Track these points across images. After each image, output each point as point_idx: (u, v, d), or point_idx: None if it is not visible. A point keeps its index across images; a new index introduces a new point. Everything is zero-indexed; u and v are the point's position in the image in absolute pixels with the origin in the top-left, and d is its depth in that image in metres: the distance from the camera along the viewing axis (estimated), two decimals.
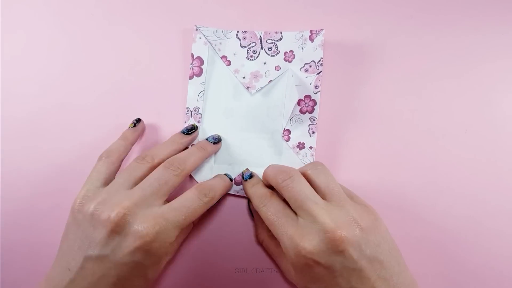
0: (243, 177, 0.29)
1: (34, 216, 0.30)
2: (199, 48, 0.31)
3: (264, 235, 0.29)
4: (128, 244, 0.22)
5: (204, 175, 0.30)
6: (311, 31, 0.31)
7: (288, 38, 0.31)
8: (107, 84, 0.32)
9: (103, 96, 0.31)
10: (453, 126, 0.31)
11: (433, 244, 0.30)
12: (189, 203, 0.24)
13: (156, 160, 0.26)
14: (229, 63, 0.31)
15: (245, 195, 0.29)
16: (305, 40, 0.31)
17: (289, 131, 0.31)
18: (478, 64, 0.31)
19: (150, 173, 0.25)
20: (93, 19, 0.32)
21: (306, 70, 0.31)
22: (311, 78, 0.31)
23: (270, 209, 0.25)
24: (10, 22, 0.32)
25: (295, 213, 0.24)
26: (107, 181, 0.25)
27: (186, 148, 0.29)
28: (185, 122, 0.31)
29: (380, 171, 0.31)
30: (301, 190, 0.24)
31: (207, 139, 0.30)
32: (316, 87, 0.30)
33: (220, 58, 0.31)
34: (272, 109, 0.31)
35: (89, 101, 0.31)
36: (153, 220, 0.22)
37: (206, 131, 0.31)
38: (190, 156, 0.27)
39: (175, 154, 0.27)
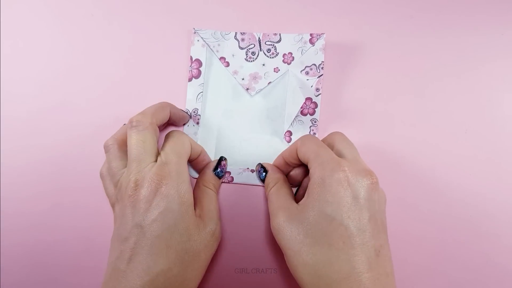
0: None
1: (34, 216, 0.30)
2: (197, 51, 0.31)
3: (279, 181, 0.28)
4: (149, 200, 0.22)
5: None
6: (311, 35, 0.31)
7: (286, 40, 0.31)
8: (107, 85, 0.32)
9: (103, 97, 0.31)
10: (453, 126, 0.31)
11: (433, 244, 0.30)
12: (179, 143, 0.25)
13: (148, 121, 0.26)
14: (228, 64, 0.31)
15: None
16: (305, 43, 0.31)
17: (290, 133, 0.31)
18: (478, 64, 0.31)
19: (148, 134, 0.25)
20: (93, 20, 0.32)
21: (307, 73, 0.31)
22: (312, 81, 0.31)
23: (311, 140, 0.26)
24: (10, 22, 0.32)
25: None
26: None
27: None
28: (183, 124, 0.31)
29: (380, 171, 0.30)
30: (317, 143, 0.25)
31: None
32: (317, 89, 0.31)
33: (218, 60, 0.31)
34: (272, 111, 0.31)
35: (89, 101, 0.31)
36: (156, 170, 0.23)
37: (205, 132, 0.31)
38: (183, 137, 0.27)
39: (166, 114, 0.27)
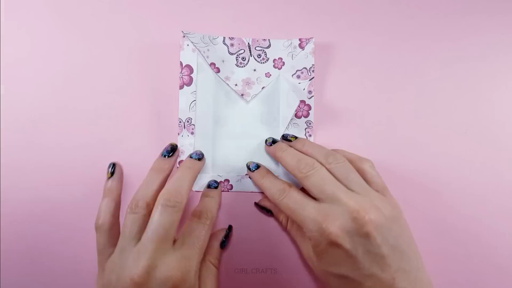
0: (249, 168, 0.29)
1: (34, 217, 0.30)
2: (187, 56, 0.30)
3: (290, 220, 0.29)
4: None
5: (204, 185, 0.30)
6: (300, 39, 0.31)
7: (276, 46, 0.31)
8: (108, 85, 0.31)
9: (103, 97, 0.31)
10: (453, 126, 0.31)
11: (433, 244, 0.30)
12: (197, 232, 0.25)
13: (150, 201, 0.24)
14: (218, 70, 0.31)
15: (247, 191, 0.30)
16: (295, 47, 0.31)
17: None
18: (478, 64, 0.31)
19: (148, 217, 0.23)
20: (93, 21, 0.32)
21: (298, 77, 0.31)
22: (304, 84, 0.31)
23: (291, 200, 0.25)
24: (10, 22, 0.32)
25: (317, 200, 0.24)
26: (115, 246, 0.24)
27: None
28: (178, 134, 0.30)
29: (380, 172, 0.31)
30: (324, 177, 0.24)
31: (190, 156, 0.28)
32: (310, 92, 0.31)
33: (209, 66, 0.31)
34: (266, 115, 0.31)
35: (89, 101, 0.31)
36: (176, 263, 0.22)
37: (201, 142, 0.31)
38: (182, 184, 0.25)
39: (164, 184, 0.25)
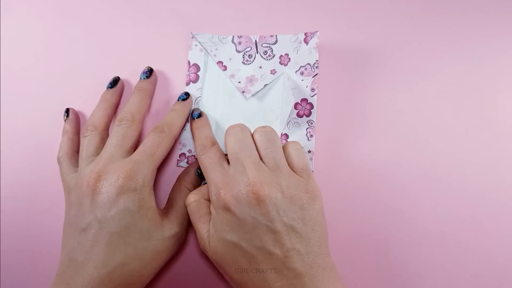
0: (192, 116, 0.30)
1: (34, 216, 0.30)
2: (195, 55, 0.31)
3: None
4: (110, 195, 0.23)
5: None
6: (305, 34, 0.31)
7: (283, 41, 0.31)
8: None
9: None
10: (453, 126, 0.31)
11: (433, 244, 0.30)
12: (149, 142, 0.26)
13: (97, 124, 0.28)
14: (225, 68, 0.31)
15: None
16: (300, 42, 0.31)
17: (286, 135, 0.31)
18: (479, 64, 0.31)
19: (98, 138, 0.27)
20: (94, 21, 0.32)
21: (302, 73, 0.31)
22: (307, 81, 0.30)
23: (208, 157, 0.26)
24: (10, 22, 0.32)
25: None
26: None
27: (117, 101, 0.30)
28: (183, 128, 0.31)
29: (381, 172, 0.31)
30: (243, 141, 0.25)
31: (140, 78, 0.30)
32: (313, 90, 0.30)
33: (216, 64, 0.31)
34: (269, 113, 0.31)
35: (89, 101, 0.31)
36: (123, 166, 0.24)
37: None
38: (132, 105, 0.28)
39: (110, 111, 0.29)
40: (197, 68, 0.31)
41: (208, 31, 0.31)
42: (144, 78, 0.30)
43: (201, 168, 0.26)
